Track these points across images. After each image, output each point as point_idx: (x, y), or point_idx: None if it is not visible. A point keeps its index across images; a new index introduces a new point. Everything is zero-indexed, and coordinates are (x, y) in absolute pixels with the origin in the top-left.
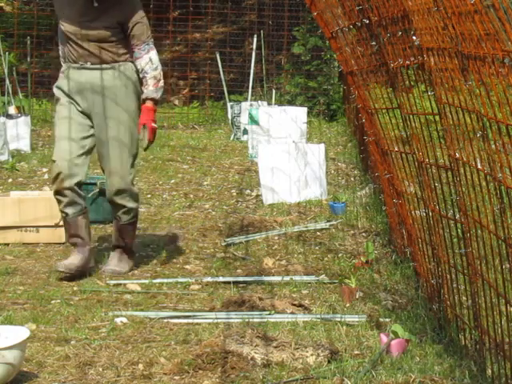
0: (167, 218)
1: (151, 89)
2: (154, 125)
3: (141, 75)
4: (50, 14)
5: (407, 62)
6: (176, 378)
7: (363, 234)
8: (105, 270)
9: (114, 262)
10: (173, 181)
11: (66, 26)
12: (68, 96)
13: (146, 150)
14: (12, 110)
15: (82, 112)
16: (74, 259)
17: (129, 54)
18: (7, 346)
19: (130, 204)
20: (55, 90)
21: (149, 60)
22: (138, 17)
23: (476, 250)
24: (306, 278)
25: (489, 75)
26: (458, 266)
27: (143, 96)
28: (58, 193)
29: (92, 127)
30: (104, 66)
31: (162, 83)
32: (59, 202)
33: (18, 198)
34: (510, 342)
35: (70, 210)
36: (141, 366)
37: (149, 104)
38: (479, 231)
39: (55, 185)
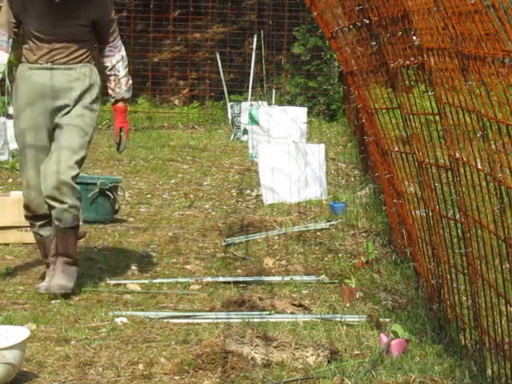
0: (167, 218)
1: (124, 88)
2: (129, 126)
3: (110, 73)
4: None
5: (407, 62)
6: (176, 377)
7: (363, 233)
8: (50, 287)
9: (59, 275)
10: (173, 181)
11: (32, 25)
12: (27, 103)
13: (121, 152)
14: (12, 109)
15: (36, 119)
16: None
17: (92, 56)
18: (7, 346)
19: (71, 201)
20: (14, 100)
21: (121, 58)
22: (112, 14)
23: (476, 250)
24: (306, 277)
25: (489, 75)
26: (458, 266)
27: (117, 96)
28: (29, 218)
29: (48, 137)
30: (68, 66)
31: (130, 81)
32: (32, 225)
33: (17, 198)
34: (510, 341)
35: (44, 232)
36: (141, 366)
37: (122, 105)
38: (479, 231)
39: (26, 212)
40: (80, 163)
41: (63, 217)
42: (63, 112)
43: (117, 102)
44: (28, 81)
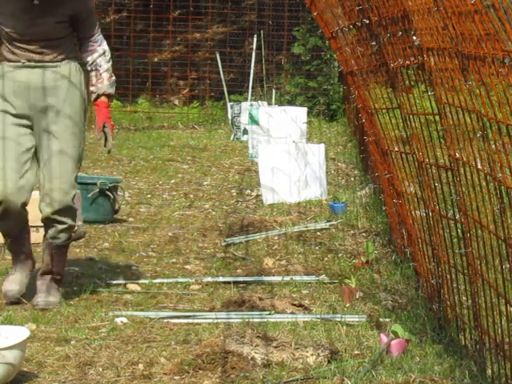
0: (167, 218)
1: (106, 83)
2: (112, 122)
3: (90, 68)
4: None
5: (407, 62)
6: (176, 377)
7: (363, 233)
8: (38, 304)
9: (44, 292)
10: (173, 181)
11: (7, 25)
12: (2, 99)
13: (109, 152)
14: None
15: (18, 117)
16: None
17: (73, 52)
18: (7, 345)
19: (70, 221)
20: None
21: (103, 52)
22: (91, 7)
23: (476, 250)
24: (306, 277)
25: (489, 75)
26: (458, 266)
27: (99, 91)
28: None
29: (32, 134)
30: (49, 64)
31: (114, 77)
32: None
33: None
34: (510, 341)
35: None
36: (141, 366)
37: (104, 99)
38: (479, 231)
39: None
40: (77, 176)
41: (59, 235)
42: (52, 113)
43: (99, 96)
44: (11, 80)
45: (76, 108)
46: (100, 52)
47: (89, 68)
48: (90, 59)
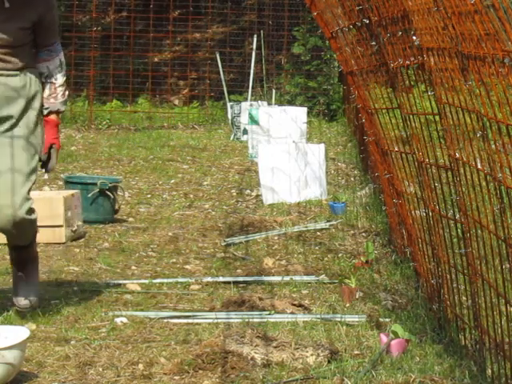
0: (167, 218)
1: (61, 100)
2: (60, 143)
3: (45, 80)
4: None
5: (407, 62)
6: (176, 377)
7: (363, 233)
8: (19, 305)
9: (23, 291)
10: (173, 181)
11: None
12: None
13: (49, 172)
14: None
15: None
16: None
17: (33, 61)
18: (7, 345)
19: (28, 232)
20: None
21: (59, 63)
22: (53, 14)
23: (476, 250)
24: (306, 277)
25: (489, 75)
26: (458, 266)
27: (51, 108)
28: None
29: None
30: (11, 72)
31: (67, 92)
32: None
33: None
34: (510, 342)
35: None
36: (141, 366)
37: (54, 118)
38: (479, 231)
39: None
40: (31, 189)
41: (23, 246)
42: (8, 124)
43: (50, 113)
44: None
45: (34, 120)
46: (57, 63)
47: (43, 80)
48: (45, 70)
